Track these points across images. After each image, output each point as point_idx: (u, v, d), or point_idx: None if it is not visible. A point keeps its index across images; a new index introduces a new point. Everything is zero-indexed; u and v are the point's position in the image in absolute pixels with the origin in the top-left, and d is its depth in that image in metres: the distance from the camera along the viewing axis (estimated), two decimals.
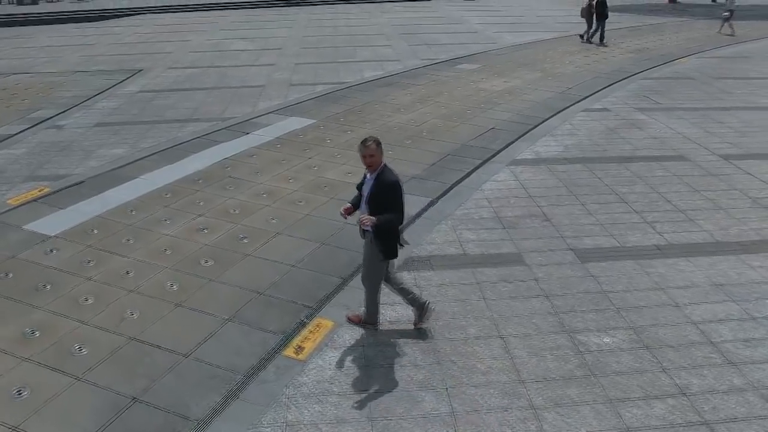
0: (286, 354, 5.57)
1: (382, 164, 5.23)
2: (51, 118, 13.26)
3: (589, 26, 22.23)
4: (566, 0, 37.51)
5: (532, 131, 12.04)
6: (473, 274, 6.99)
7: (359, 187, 5.60)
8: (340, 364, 5.44)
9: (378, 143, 5.12)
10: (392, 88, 15.19)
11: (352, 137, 11.40)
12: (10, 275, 6.91)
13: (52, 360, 5.45)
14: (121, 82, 16.63)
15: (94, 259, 7.20)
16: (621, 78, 16.80)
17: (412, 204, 8.57)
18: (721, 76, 17.38)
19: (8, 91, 16.07)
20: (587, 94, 14.95)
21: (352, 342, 5.76)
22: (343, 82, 15.69)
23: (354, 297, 6.41)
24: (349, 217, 5.70)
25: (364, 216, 5.22)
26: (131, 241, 7.60)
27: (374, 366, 5.41)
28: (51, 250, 7.41)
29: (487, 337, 5.85)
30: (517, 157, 10.56)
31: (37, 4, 38.50)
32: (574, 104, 14.08)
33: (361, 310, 5.95)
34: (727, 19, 24.30)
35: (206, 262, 7.12)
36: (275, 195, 8.88)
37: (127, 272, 6.90)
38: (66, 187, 9.26)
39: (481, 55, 19.83)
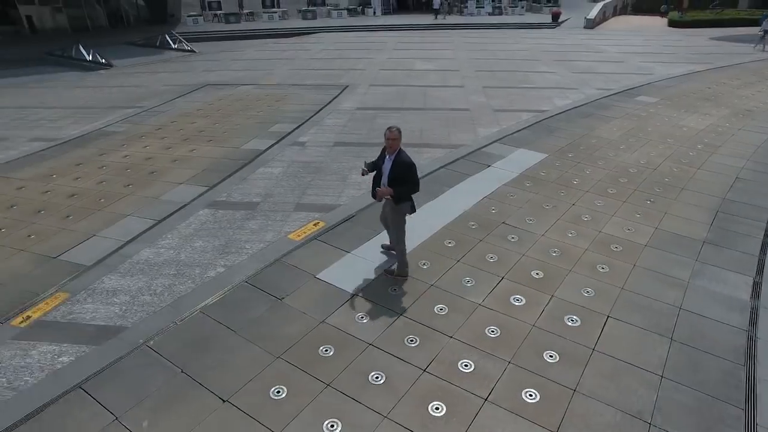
0: None
1: (399, 148, 5.06)
2: (290, 133, 11.20)
3: None
4: (669, 31, 32.08)
5: None
6: None
7: (378, 161, 5.26)
8: None
9: (399, 131, 5.03)
10: (592, 120, 12.03)
11: (596, 179, 8.53)
12: (330, 351, 4.67)
13: None
14: (335, 97, 14.41)
15: (416, 337, 4.84)
16: None
17: (738, 285, 5.66)
18: None
19: (243, 103, 14.25)
20: None
21: None
22: (542, 111, 12.67)
23: None
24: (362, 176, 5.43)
25: (383, 188, 5.11)
26: (444, 312, 5.18)
27: None
28: (362, 317, 5.12)
29: None
30: None
31: (239, 23, 37.47)
32: None
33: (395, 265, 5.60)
34: (762, 38, 22.32)
35: (550, 356, 4.58)
36: (568, 255, 6.21)
37: (465, 365, 4.48)
38: (340, 222, 7.02)
39: (648, 86, 16.07)
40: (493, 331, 4.89)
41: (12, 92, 17.91)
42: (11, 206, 8.17)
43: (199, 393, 4.30)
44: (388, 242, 6.13)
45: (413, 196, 5.31)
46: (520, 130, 10.95)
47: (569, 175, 8.67)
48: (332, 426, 3.93)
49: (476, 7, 41.53)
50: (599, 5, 37.49)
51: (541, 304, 5.31)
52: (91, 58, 23.54)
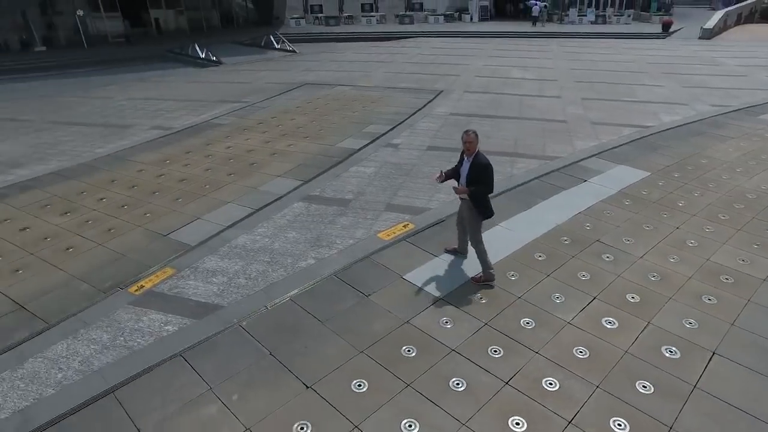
0: None
1: (477, 150, 5.25)
2: (384, 134, 11.39)
3: None
4: None
5: None
6: None
7: (458, 165, 5.53)
8: None
9: (476, 134, 5.27)
10: (704, 139, 11.11)
11: (706, 202, 7.86)
12: (413, 352, 4.70)
13: None
14: (429, 101, 14.47)
15: (499, 348, 4.73)
16: None
17: None
18: None
19: (340, 102, 14.71)
20: None
21: None
22: (646, 126, 11.90)
23: None
24: (440, 183, 5.66)
25: (460, 186, 5.38)
26: (530, 326, 5.02)
27: None
28: (446, 322, 5.10)
29: None
30: None
31: (339, 25, 38.76)
32: None
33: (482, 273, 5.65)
34: None
35: (644, 386, 4.29)
36: (669, 281, 5.79)
37: (550, 383, 4.31)
38: (430, 226, 7.04)
39: None
40: (581, 352, 4.67)
41: (138, 85, 19.79)
42: (132, 186, 9.02)
43: (285, 376, 4.50)
44: (454, 246, 6.21)
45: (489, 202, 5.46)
46: (620, 146, 10.36)
47: (674, 196, 8.07)
48: (410, 426, 3.95)
49: (578, 15, 39.89)
50: (720, 13, 34.58)
51: (636, 329, 4.99)
52: (204, 56, 25.44)
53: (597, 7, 41.87)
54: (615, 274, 5.90)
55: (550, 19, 40.02)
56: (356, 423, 4.01)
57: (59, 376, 4.62)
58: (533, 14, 37.69)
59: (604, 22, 39.51)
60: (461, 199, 5.56)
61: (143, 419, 4.13)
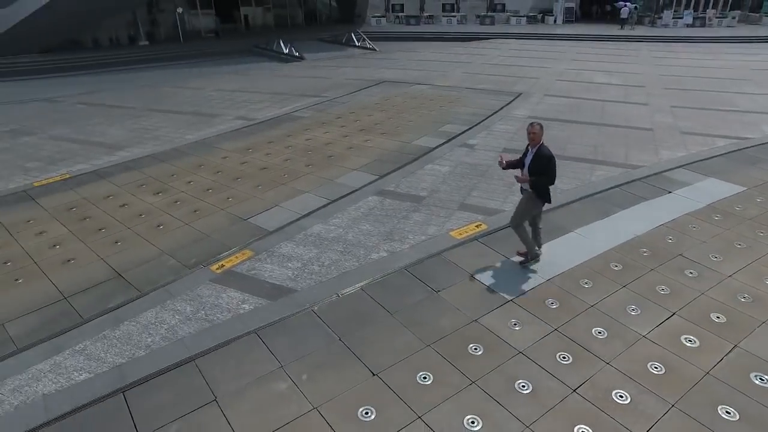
0: None
1: (542, 142, 5.42)
2: (460, 134, 11.34)
3: None
4: None
5: None
6: None
7: (523, 155, 5.64)
8: None
9: (541, 127, 5.43)
10: None
11: None
12: (480, 351, 4.70)
13: None
14: (508, 103, 14.21)
15: (569, 355, 4.62)
16: None
17: None
18: None
19: (417, 101, 14.80)
20: None
21: None
22: (744, 138, 11.04)
23: None
24: (502, 169, 5.78)
25: (522, 175, 5.57)
26: (602, 336, 4.85)
27: None
28: (515, 324, 5.04)
29: None
30: None
31: (419, 25, 38.88)
32: None
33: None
34: None
35: (727, 412, 4.03)
36: (763, 303, 5.39)
37: (621, 396, 4.15)
38: (502, 228, 6.92)
39: None
40: (657, 368, 4.46)
41: (226, 78, 20.95)
42: (217, 172, 9.60)
43: (352, 362, 4.65)
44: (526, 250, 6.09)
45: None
46: (712, 157, 9.68)
47: None
48: (473, 422, 3.96)
49: (672, 18, 37.43)
50: None
51: (720, 351, 4.69)
52: (287, 52, 26.45)
53: (695, 9, 39.03)
54: (698, 291, 5.56)
55: (640, 22, 37.87)
56: (419, 414, 4.07)
57: (149, 340, 5.04)
58: (621, 16, 35.83)
59: (703, 25, 36.84)
60: (522, 189, 5.75)
61: (219, 388, 4.42)
